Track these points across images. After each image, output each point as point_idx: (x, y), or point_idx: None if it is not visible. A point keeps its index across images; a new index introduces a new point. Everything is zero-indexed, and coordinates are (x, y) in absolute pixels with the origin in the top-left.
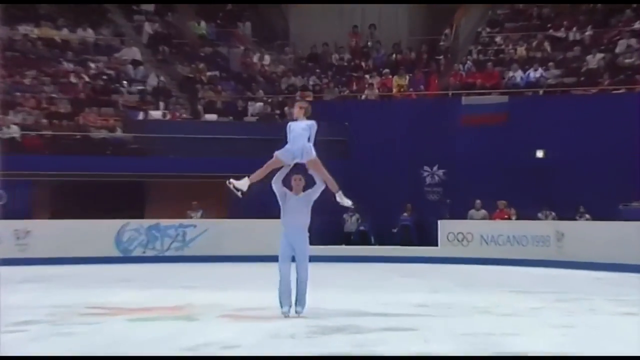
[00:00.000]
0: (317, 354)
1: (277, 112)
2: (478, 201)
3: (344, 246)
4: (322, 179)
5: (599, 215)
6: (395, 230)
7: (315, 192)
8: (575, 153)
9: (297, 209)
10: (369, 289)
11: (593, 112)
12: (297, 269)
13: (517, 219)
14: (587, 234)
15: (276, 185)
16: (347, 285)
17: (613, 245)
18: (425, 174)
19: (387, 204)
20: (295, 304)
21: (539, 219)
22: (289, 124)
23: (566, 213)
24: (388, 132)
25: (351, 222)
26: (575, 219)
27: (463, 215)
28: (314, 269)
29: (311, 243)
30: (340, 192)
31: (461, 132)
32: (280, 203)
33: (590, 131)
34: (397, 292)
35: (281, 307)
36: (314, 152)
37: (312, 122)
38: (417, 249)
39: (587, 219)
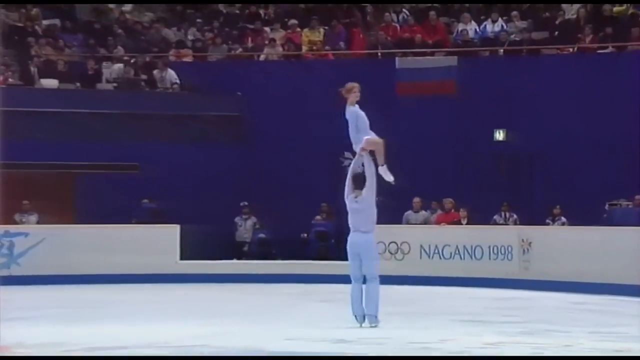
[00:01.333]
0: None
1: (143, 77)
2: (417, 199)
3: (235, 261)
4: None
5: (578, 218)
6: (305, 237)
7: (371, 180)
8: (547, 135)
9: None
10: (271, 321)
11: (571, 79)
12: (367, 274)
13: (469, 223)
14: (562, 244)
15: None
16: (240, 314)
17: (596, 258)
18: (348, 163)
19: (296, 203)
20: (365, 319)
21: (498, 223)
22: (355, 109)
23: (535, 216)
24: (297, 106)
25: (245, 228)
26: (547, 224)
27: (397, 219)
28: (193, 291)
29: (189, 257)
30: (384, 167)
31: (395, 106)
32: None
33: (568, 105)
34: (310, 323)
35: (356, 319)
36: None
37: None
38: (336, 264)
39: (562, 224)
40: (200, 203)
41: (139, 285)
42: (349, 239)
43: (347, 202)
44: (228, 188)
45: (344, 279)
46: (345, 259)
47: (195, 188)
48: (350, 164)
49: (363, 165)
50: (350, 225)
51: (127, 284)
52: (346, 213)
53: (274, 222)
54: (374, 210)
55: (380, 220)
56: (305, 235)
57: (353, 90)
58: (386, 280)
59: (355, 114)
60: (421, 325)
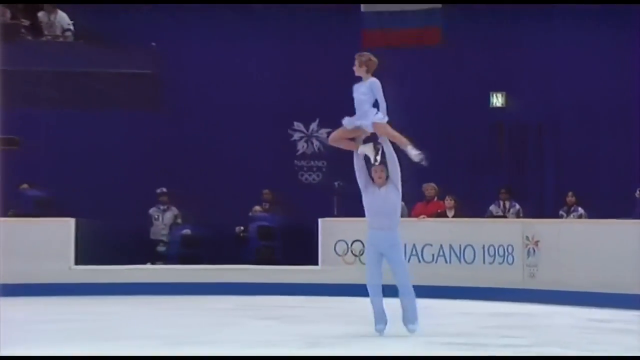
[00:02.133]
0: None
1: (25, 22)
2: None
3: (148, 266)
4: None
5: (600, 209)
6: (242, 234)
7: (394, 170)
8: (560, 101)
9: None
10: (198, 346)
11: (593, 27)
12: (397, 281)
13: (458, 215)
14: (579, 243)
15: (358, 166)
16: (155, 337)
17: (622, 263)
18: (298, 136)
19: (230, 190)
20: (406, 322)
21: (495, 216)
22: (354, 86)
23: (544, 206)
24: (232, 61)
25: (163, 223)
26: (560, 217)
27: (362, 211)
28: (92, 306)
29: (87, 261)
30: (410, 146)
31: None
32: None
33: (587, 64)
34: (252, 348)
35: (375, 324)
36: (380, 116)
37: (373, 81)
38: (282, 269)
39: (579, 216)
40: (102, 189)
41: (18, 299)
42: (369, 237)
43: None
44: (139, 170)
45: (292, 289)
46: (296, 263)
47: (94, 170)
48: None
49: (383, 152)
50: (371, 222)
51: (2, 297)
52: (295, 201)
53: (201, 214)
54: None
55: (341, 213)
56: (242, 229)
57: (371, 59)
58: (348, 290)
59: (378, 86)
60: (392, 350)
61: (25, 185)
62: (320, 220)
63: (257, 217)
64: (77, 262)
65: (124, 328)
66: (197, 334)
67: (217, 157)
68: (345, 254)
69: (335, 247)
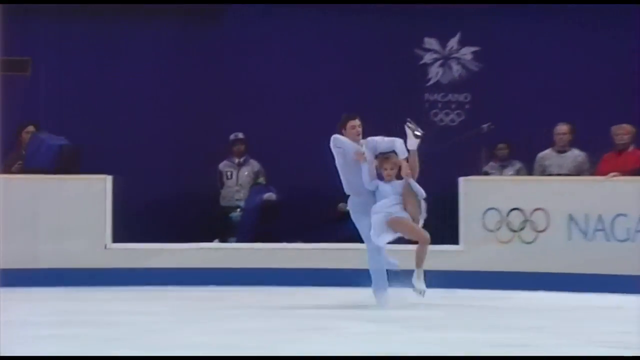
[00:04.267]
0: None
1: None
2: (563, 127)
3: (217, 244)
4: None
5: None
6: (344, 208)
7: None
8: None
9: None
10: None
11: None
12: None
13: None
14: None
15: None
16: (224, 346)
17: None
18: (430, 58)
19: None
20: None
21: None
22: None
23: None
24: None
25: (237, 182)
26: None
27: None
28: (123, 299)
29: (125, 238)
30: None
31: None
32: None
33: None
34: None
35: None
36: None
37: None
38: (404, 251)
39: None
40: (147, 136)
41: (29, 291)
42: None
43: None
44: (202, 107)
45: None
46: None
47: (133, 107)
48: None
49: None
50: None
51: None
52: (424, 155)
53: (290, 172)
54: None
55: (492, 169)
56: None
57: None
58: (501, 280)
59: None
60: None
61: (31, 128)
62: (461, 181)
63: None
64: (115, 239)
65: (176, 335)
66: (278, 344)
67: (314, 91)
68: (499, 229)
69: (483, 219)
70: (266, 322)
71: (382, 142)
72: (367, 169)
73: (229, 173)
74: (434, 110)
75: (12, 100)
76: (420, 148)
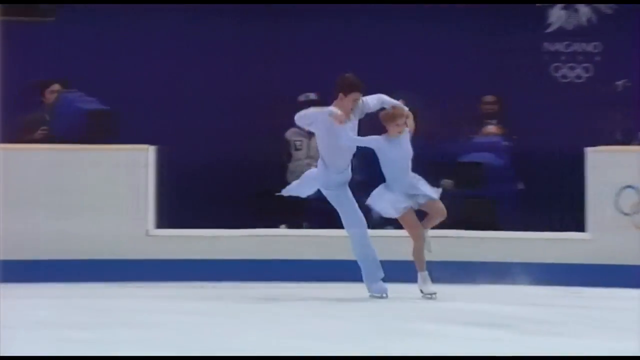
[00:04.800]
0: None
1: None
2: None
3: (283, 230)
4: None
5: None
6: (448, 186)
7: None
8: None
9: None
10: None
11: None
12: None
13: None
14: None
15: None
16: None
17: None
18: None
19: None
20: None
21: None
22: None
23: None
24: None
25: (308, 154)
26: None
27: None
28: (168, 296)
29: (171, 222)
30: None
31: None
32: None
33: None
34: None
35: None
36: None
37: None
38: (516, 239)
39: None
40: (198, 97)
41: (54, 286)
42: None
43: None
44: (261, 62)
45: (539, 271)
46: (543, 226)
47: (180, 63)
48: None
49: None
50: None
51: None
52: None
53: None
54: None
55: (627, 138)
56: (450, 183)
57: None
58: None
59: None
60: None
61: (56, 86)
62: (588, 151)
63: (473, 145)
64: (159, 224)
65: (232, 339)
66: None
67: (401, 42)
68: (636, 213)
69: (617, 200)
70: (343, 324)
71: (369, 101)
72: (349, 127)
73: (298, 143)
74: (555, 64)
75: (33, 53)
76: None
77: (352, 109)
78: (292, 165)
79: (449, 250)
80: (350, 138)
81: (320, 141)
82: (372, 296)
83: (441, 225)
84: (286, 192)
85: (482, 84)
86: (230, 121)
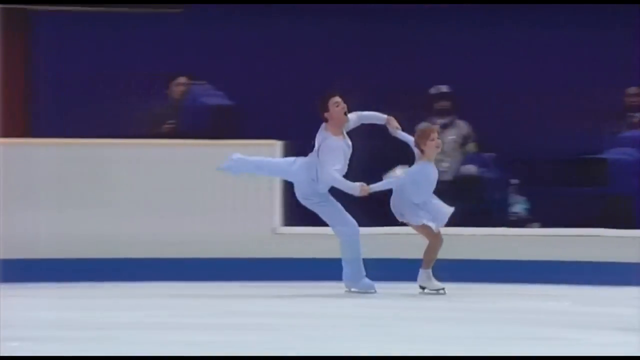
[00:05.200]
0: None
1: None
2: None
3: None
4: None
5: None
6: None
7: None
8: None
9: None
10: None
11: None
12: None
13: None
14: None
15: None
16: None
17: None
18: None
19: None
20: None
21: None
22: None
23: None
24: None
25: (446, 149)
26: None
27: None
28: (297, 301)
29: (299, 219)
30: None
31: None
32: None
33: None
34: None
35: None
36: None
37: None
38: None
39: None
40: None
41: (173, 285)
42: None
43: None
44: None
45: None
46: None
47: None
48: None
49: None
50: None
51: (161, 281)
52: None
53: (504, 137)
54: None
55: None
56: None
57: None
58: None
59: None
60: None
61: (183, 79)
62: None
63: (617, 140)
64: (286, 221)
65: (360, 343)
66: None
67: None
68: None
69: None
70: (476, 327)
71: (350, 117)
72: (346, 145)
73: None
74: None
75: (160, 44)
76: None
77: (344, 114)
78: None
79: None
80: (392, 180)
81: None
82: (351, 292)
83: (574, 224)
84: (226, 166)
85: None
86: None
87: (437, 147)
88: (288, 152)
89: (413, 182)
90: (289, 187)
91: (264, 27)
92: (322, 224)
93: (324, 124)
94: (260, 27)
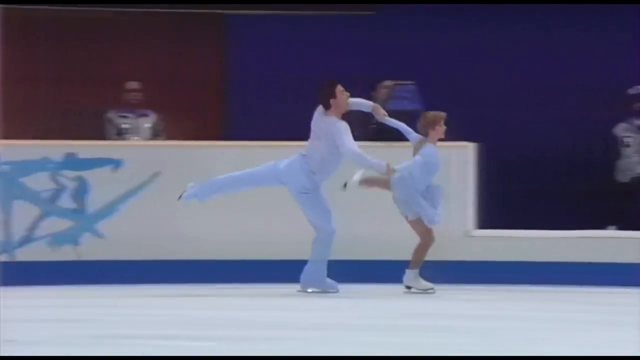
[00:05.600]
0: None
1: None
2: None
3: (612, 232)
4: None
5: None
6: None
7: None
8: None
9: None
10: None
11: None
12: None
13: None
14: None
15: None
16: None
17: None
18: None
19: None
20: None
21: None
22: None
23: None
24: None
25: None
26: None
27: None
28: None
29: (493, 222)
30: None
31: None
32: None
33: None
34: None
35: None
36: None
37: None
38: None
39: None
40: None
41: (349, 288)
42: None
43: None
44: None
45: None
46: None
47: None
48: None
49: None
50: None
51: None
52: None
53: None
54: None
55: None
56: None
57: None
58: None
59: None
60: None
61: (388, 82)
62: None
63: None
64: (480, 224)
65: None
66: None
67: None
68: None
69: None
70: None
71: (352, 100)
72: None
73: (628, 139)
74: None
75: (353, 46)
76: None
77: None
78: (620, 163)
79: None
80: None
81: (327, 150)
82: (306, 292)
83: None
84: (187, 197)
85: None
86: (554, 116)
87: (443, 134)
88: (481, 154)
89: (426, 164)
90: (482, 187)
91: (458, 28)
92: (516, 226)
93: (322, 109)
94: (454, 29)
